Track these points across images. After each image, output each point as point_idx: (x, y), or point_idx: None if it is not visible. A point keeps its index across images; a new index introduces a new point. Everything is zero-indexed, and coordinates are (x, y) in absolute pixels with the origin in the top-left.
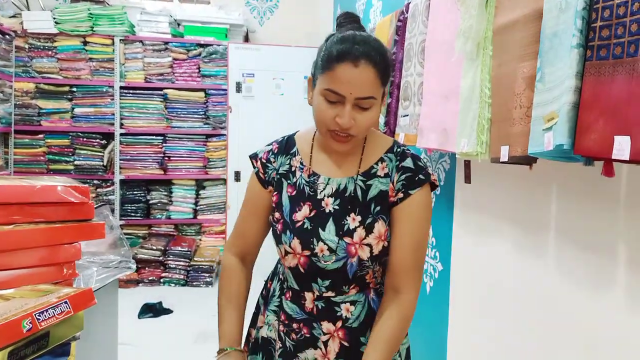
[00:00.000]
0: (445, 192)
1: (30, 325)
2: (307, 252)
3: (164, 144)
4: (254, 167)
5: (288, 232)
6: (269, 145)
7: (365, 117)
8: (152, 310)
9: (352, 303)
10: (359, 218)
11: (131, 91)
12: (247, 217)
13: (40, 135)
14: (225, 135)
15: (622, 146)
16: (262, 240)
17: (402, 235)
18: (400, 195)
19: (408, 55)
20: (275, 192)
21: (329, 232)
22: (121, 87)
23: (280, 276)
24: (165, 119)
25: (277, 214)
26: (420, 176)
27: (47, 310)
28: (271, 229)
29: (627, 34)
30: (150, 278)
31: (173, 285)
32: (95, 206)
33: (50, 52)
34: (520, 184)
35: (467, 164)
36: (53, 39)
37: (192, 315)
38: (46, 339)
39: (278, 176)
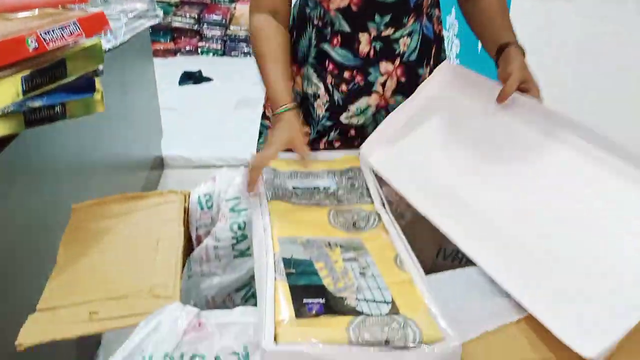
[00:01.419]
0: None
1: (37, 44)
2: None
3: None
4: None
5: None
6: None
7: None
8: (192, 78)
9: (409, 35)
10: None
11: None
12: None
13: None
14: None
15: None
16: None
17: None
18: None
19: None
20: None
21: None
22: None
23: (316, 22)
24: None
25: None
26: None
27: (54, 30)
28: None
29: None
30: (187, 48)
31: (211, 55)
32: None
33: None
34: None
35: None
36: None
37: (232, 83)
38: (63, 68)
39: None
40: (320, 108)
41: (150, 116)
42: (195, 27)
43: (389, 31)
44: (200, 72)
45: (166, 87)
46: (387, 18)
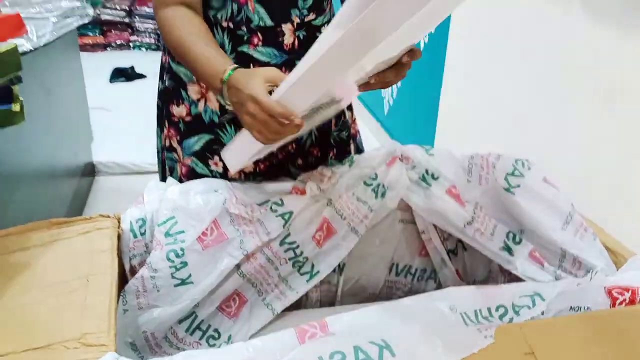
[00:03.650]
0: None
1: None
2: None
3: None
4: None
5: None
6: None
7: None
8: (124, 74)
9: (327, 22)
10: None
11: None
12: None
13: None
14: None
15: None
16: None
17: None
18: None
19: None
20: None
21: None
22: None
23: (225, 24)
24: None
25: None
26: None
27: None
28: None
29: None
30: (118, 42)
31: (144, 49)
32: None
33: None
34: None
35: None
36: None
37: None
38: None
39: None
40: (229, 106)
41: (79, 119)
42: (127, 19)
43: (311, 16)
44: (132, 68)
45: (96, 84)
46: (310, 2)
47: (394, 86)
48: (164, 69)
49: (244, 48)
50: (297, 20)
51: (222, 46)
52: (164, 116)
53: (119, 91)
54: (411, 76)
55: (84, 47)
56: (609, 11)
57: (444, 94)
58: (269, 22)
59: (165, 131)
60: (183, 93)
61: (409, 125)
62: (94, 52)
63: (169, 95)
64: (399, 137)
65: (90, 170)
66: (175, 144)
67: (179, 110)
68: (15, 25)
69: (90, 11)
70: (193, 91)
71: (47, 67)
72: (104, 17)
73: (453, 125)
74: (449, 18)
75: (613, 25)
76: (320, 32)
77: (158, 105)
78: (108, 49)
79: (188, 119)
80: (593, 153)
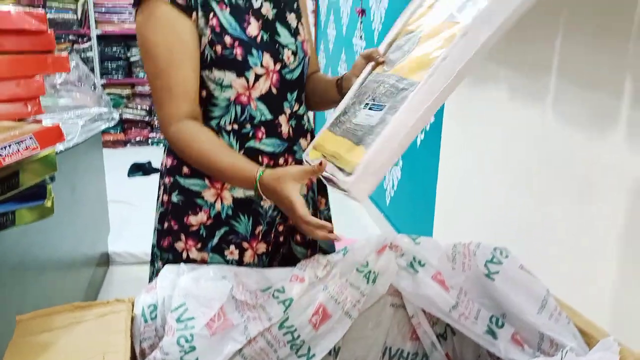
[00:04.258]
0: None
1: None
2: (278, 66)
3: None
4: None
5: (254, 51)
6: None
7: None
8: (142, 169)
9: (306, 112)
10: (293, 15)
11: None
12: (180, 65)
13: None
14: None
15: None
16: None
17: (307, 25)
18: None
19: None
20: (206, 16)
21: (285, 36)
22: None
23: (230, 127)
24: None
25: (227, 38)
26: None
27: (10, 145)
28: (214, 65)
29: None
30: (137, 139)
31: (162, 145)
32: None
33: None
34: (523, 21)
35: None
36: None
37: None
38: (16, 178)
39: None
40: (265, 201)
41: (99, 212)
42: (147, 118)
43: (296, 107)
44: (149, 163)
45: (115, 178)
46: (295, 95)
47: (395, 178)
48: (166, 188)
49: (251, 143)
50: (288, 111)
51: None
52: (176, 231)
53: (136, 185)
54: (410, 170)
55: (105, 144)
56: (578, 118)
57: (439, 186)
58: (269, 116)
59: (182, 245)
60: (199, 201)
61: (409, 214)
62: (114, 148)
63: (180, 210)
64: (400, 225)
65: (105, 261)
66: (194, 254)
67: (199, 218)
68: (56, 136)
69: (116, 115)
70: (209, 195)
71: (74, 166)
72: (125, 116)
73: (449, 214)
74: (441, 120)
75: (583, 128)
76: (303, 120)
77: (158, 229)
78: (128, 145)
79: (210, 222)
80: (570, 241)
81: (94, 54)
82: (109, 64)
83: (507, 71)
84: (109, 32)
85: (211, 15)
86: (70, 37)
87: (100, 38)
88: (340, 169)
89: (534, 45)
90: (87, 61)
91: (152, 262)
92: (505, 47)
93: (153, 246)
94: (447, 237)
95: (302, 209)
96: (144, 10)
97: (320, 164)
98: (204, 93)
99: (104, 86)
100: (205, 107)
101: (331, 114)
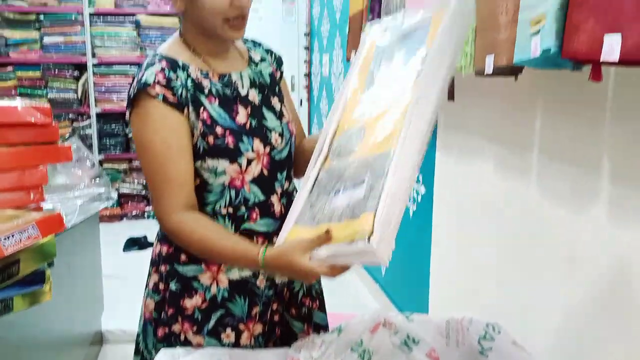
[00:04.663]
0: None
1: None
2: (267, 149)
3: None
4: (156, 96)
5: (245, 138)
6: (150, 67)
7: None
8: (137, 243)
9: (296, 188)
10: (276, 99)
11: (101, 18)
12: (176, 159)
13: (10, 67)
14: None
15: (612, 46)
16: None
17: (290, 108)
18: (278, 73)
19: None
20: (196, 110)
21: (271, 120)
22: (91, 14)
23: (224, 212)
24: (138, 47)
25: (218, 129)
26: (277, 54)
27: (13, 235)
28: (207, 155)
29: None
30: (134, 212)
31: None
32: (65, 137)
33: None
34: (505, 100)
35: (451, 80)
36: None
37: None
38: (16, 266)
39: (192, 90)
40: (261, 282)
41: (93, 291)
42: (143, 192)
43: (286, 185)
44: (145, 237)
45: (110, 253)
46: (284, 173)
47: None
48: (162, 276)
49: (246, 225)
50: (279, 190)
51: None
52: (172, 315)
53: (131, 260)
54: (403, 240)
55: (102, 218)
56: (561, 193)
57: (433, 256)
58: (262, 197)
59: (179, 327)
60: (195, 284)
61: (405, 284)
62: (111, 222)
63: (177, 297)
64: (396, 295)
65: (98, 340)
66: (191, 336)
67: (194, 302)
68: (57, 224)
69: (114, 194)
70: (206, 278)
71: (70, 246)
72: (122, 190)
73: (444, 283)
74: (432, 191)
75: (566, 203)
76: (292, 197)
77: (155, 319)
78: (124, 219)
79: (205, 305)
80: (558, 314)
81: (93, 130)
82: (107, 140)
83: (492, 145)
84: (108, 110)
85: (201, 109)
86: (70, 115)
87: (99, 116)
88: (348, 243)
89: (515, 123)
90: (85, 138)
91: (138, 351)
92: (489, 123)
93: (138, 335)
94: (443, 306)
95: (320, 269)
96: (138, 110)
97: (327, 232)
98: (197, 181)
99: (102, 162)
100: (200, 193)
101: (291, 212)
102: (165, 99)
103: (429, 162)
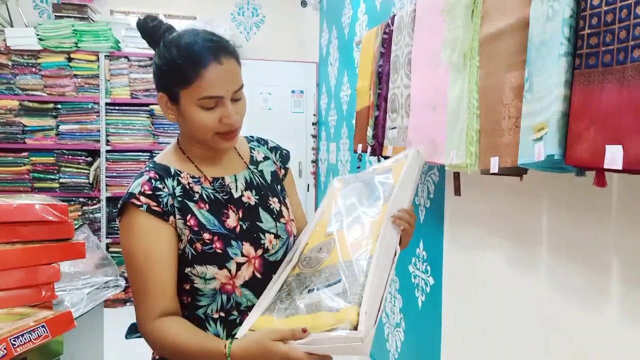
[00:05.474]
0: (435, 204)
1: (5, 352)
2: (259, 252)
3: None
4: (140, 206)
5: (233, 242)
6: (139, 178)
7: (241, 106)
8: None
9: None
10: (276, 199)
11: (117, 107)
12: (156, 269)
13: (25, 153)
14: None
15: (614, 156)
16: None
17: (295, 203)
18: (283, 171)
19: (395, 67)
20: (183, 218)
21: (267, 221)
22: (107, 104)
23: (217, 315)
24: (152, 135)
25: (206, 235)
26: (284, 151)
27: (23, 335)
28: (195, 262)
29: (615, 41)
30: None
31: None
32: (75, 227)
33: (34, 69)
34: (511, 196)
35: (457, 176)
36: (37, 55)
37: None
38: None
39: (179, 199)
40: None
41: None
42: None
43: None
44: None
45: (112, 340)
46: (279, 255)
47: (399, 340)
48: None
49: (238, 330)
50: None
51: (217, 336)
52: None
53: (134, 346)
54: (413, 332)
55: (105, 303)
56: (571, 290)
57: (444, 348)
58: (255, 301)
59: None
60: None
61: None
62: (114, 307)
63: None
64: None
65: None
66: None
67: None
68: (67, 323)
69: (122, 282)
70: None
71: (76, 337)
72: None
73: None
74: (441, 282)
75: (576, 299)
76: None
77: None
78: (127, 303)
79: None
80: None
81: (102, 214)
82: (115, 225)
83: (502, 240)
84: (118, 194)
85: (189, 216)
86: (81, 199)
87: (108, 199)
88: (328, 331)
89: (522, 219)
90: (94, 221)
91: None
92: (496, 217)
93: None
94: None
95: (298, 354)
96: (125, 221)
97: (304, 330)
98: (188, 286)
99: (109, 245)
100: (192, 297)
101: (258, 304)
102: (149, 209)
103: (437, 254)
